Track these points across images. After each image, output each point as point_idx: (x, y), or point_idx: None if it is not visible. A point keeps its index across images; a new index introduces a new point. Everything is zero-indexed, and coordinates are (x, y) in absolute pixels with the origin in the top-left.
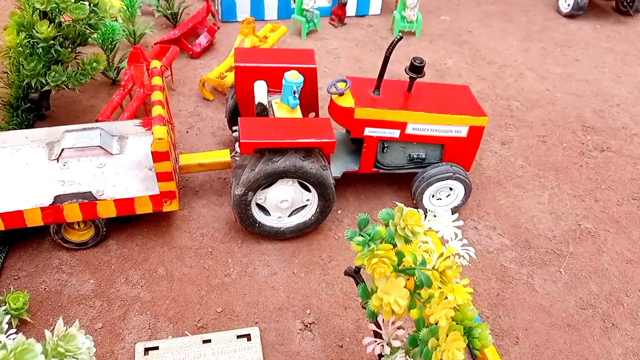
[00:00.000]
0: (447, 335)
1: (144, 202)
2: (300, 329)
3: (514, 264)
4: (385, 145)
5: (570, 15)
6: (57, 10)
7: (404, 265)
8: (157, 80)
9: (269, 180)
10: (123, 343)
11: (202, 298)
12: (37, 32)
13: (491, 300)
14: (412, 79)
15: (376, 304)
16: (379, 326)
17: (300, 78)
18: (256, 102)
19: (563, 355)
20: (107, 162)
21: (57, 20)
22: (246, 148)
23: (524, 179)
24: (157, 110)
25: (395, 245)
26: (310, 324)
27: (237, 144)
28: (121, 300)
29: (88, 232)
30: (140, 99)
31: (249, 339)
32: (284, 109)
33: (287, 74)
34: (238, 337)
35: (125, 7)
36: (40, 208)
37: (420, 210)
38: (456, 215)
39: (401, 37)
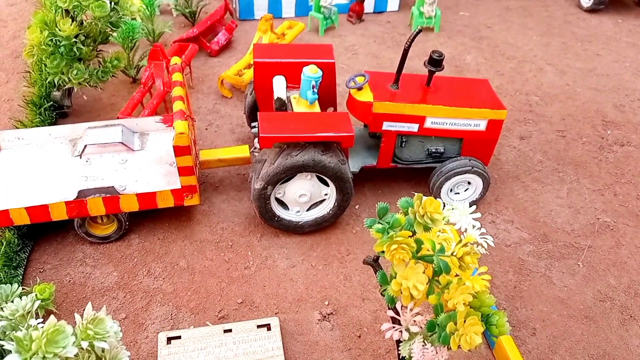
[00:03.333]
0: (464, 321)
1: (165, 196)
2: (318, 320)
3: (532, 257)
4: (404, 140)
5: (591, 10)
6: (79, 8)
7: (422, 253)
8: (177, 77)
9: (288, 174)
10: (146, 333)
11: (223, 290)
12: (59, 30)
13: (509, 293)
14: (431, 73)
15: (395, 289)
16: (397, 313)
17: (319, 72)
18: (275, 97)
19: (580, 346)
20: (129, 158)
21: (79, 19)
22: (266, 142)
23: (542, 173)
24: (177, 106)
25: (414, 233)
26: (328, 314)
27: (256, 140)
28: (144, 292)
29: (111, 226)
30: (160, 96)
31: (269, 329)
32: (302, 103)
33: (305, 69)
34: (258, 326)
35: (144, 7)
36: (65, 202)
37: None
38: (474, 207)
39: (420, 30)
